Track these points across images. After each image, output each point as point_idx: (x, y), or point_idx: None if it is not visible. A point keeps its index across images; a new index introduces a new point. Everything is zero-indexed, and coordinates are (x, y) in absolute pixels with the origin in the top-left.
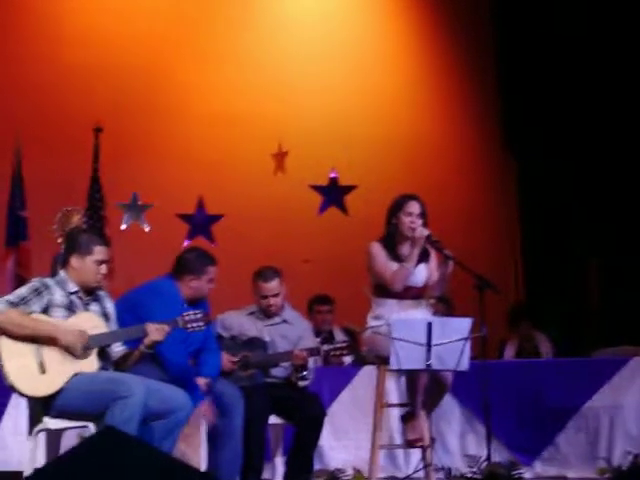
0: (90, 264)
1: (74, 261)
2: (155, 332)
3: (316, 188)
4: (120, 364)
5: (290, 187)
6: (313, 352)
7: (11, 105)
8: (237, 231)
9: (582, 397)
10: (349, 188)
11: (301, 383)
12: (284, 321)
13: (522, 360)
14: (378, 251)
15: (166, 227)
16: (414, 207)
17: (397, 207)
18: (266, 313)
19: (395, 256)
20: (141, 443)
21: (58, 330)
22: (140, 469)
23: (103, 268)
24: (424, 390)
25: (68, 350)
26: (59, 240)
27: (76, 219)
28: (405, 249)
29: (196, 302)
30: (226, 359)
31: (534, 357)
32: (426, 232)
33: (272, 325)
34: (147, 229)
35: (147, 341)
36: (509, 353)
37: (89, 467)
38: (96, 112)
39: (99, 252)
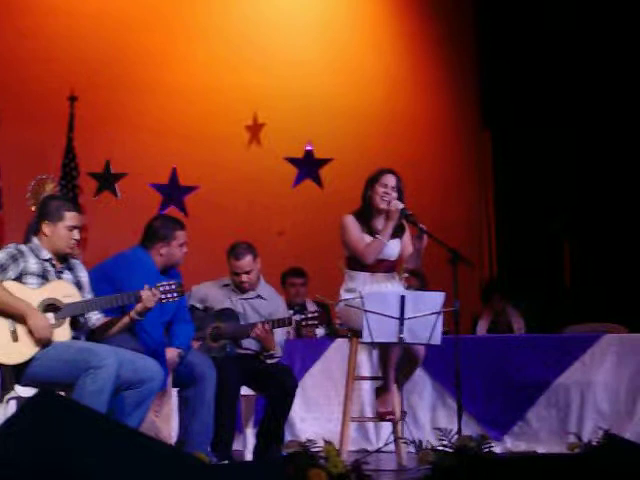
0: (62, 230)
1: (45, 228)
2: (150, 299)
3: (291, 161)
4: (101, 332)
5: (265, 159)
6: (284, 322)
7: None
8: (211, 203)
9: (553, 373)
10: (324, 161)
11: (269, 361)
12: (258, 296)
13: (494, 335)
14: (351, 223)
15: (139, 198)
16: (389, 179)
17: (373, 179)
18: (239, 288)
19: (369, 229)
20: (79, 406)
21: (29, 312)
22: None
23: (75, 234)
24: (396, 363)
25: (32, 333)
26: (32, 209)
27: (50, 188)
28: (379, 223)
29: (169, 271)
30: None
31: (506, 332)
32: (400, 205)
33: (246, 299)
34: (119, 196)
35: (140, 307)
36: (482, 328)
37: (28, 434)
38: (71, 82)
39: (70, 218)
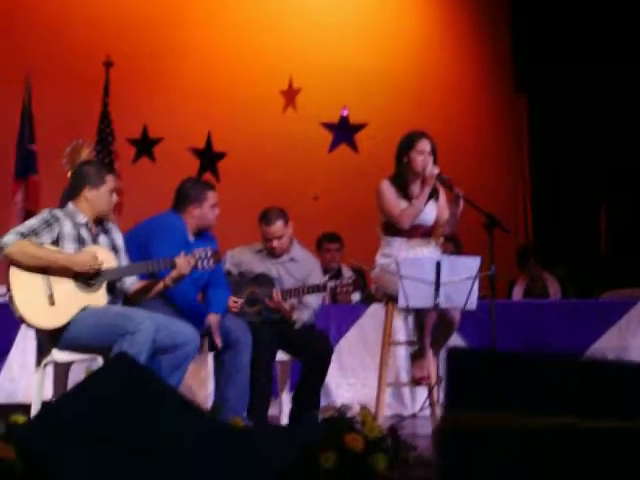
0: (105, 193)
1: (88, 192)
2: (185, 265)
3: (327, 126)
4: (135, 297)
5: (300, 124)
6: (318, 288)
7: (21, 40)
8: (246, 168)
9: (589, 338)
10: (360, 126)
11: (296, 326)
12: (292, 259)
13: (530, 300)
14: (387, 189)
15: (174, 163)
16: (425, 145)
17: (408, 145)
18: (272, 254)
19: (405, 194)
20: (152, 373)
21: (73, 259)
22: (153, 401)
23: (114, 196)
24: (432, 329)
25: (81, 274)
26: (69, 174)
27: (85, 153)
28: (415, 188)
29: (203, 234)
30: (231, 301)
31: (542, 297)
32: (436, 170)
33: (280, 263)
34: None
35: (175, 274)
36: (517, 293)
37: (104, 395)
38: (106, 47)
39: (111, 180)
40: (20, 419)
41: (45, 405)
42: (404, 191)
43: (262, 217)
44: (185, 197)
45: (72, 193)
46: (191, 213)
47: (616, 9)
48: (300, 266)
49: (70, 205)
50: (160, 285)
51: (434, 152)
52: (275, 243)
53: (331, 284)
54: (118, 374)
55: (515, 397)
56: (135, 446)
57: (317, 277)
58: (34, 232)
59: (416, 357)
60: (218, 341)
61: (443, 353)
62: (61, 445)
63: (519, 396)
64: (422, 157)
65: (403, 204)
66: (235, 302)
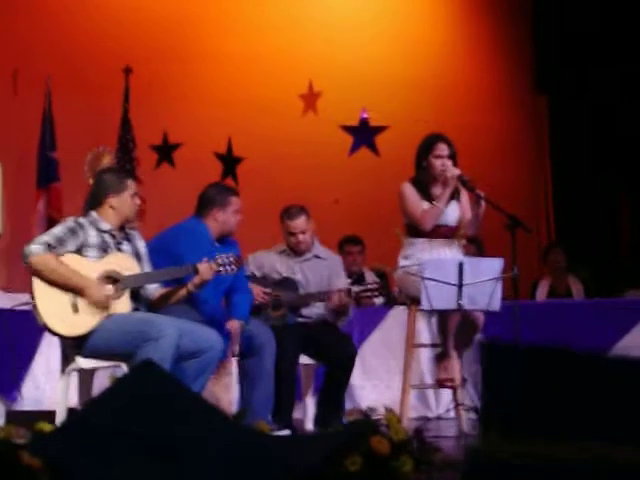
0: (128, 199)
1: (112, 201)
2: (208, 271)
3: (347, 129)
4: (157, 303)
5: (320, 128)
6: (344, 293)
7: (42, 47)
8: (267, 172)
9: (613, 337)
10: (380, 128)
11: (340, 323)
12: (315, 256)
13: (553, 300)
14: (409, 191)
15: (196, 168)
16: (443, 149)
17: (426, 149)
18: (296, 251)
19: (427, 196)
20: (177, 380)
21: (86, 286)
22: (177, 407)
23: (137, 200)
24: (455, 330)
25: (92, 304)
26: (90, 181)
27: (107, 160)
28: (436, 189)
29: (225, 239)
30: (259, 290)
31: (565, 297)
32: (457, 172)
33: (303, 262)
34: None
35: (197, 280)
36: (541, 294)
37: (129, 403)
38: (126, 54)
39: (132, 185)
40: (46, 427)
41: (70, 414)
42: (426, 193)
43: (284, 213)
44: (209, 202)
45: (94, 202)
46: (215, 217)
47: (639, 10)
48: (325, 263)
49: (93, 213)
50: (183, 291)
51: (453, 155)
52: (300, 237)
53: (356, 289)
54: (142, 381)
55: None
56: (161, 453)
57: (341, 274)
58: (59, 241)
59: (440, 359)
60: (235, 348)
61: (467, 354)
62: (86, 454)
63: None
64: (440, 161)
65: (425, 205)
66: (261, 292)
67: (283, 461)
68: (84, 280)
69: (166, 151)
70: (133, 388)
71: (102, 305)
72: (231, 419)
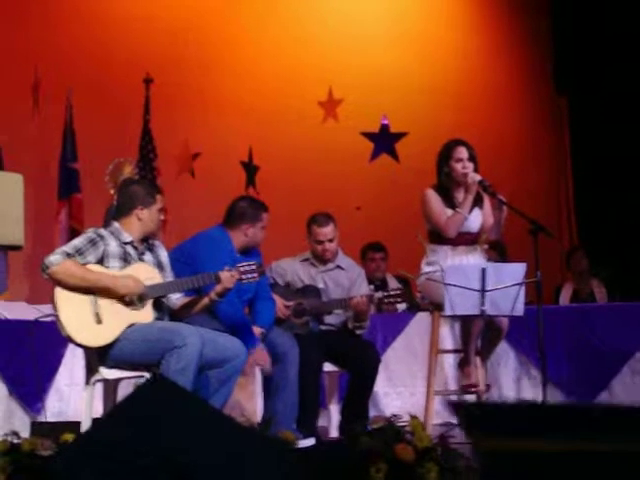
0: (155, 213)
1: (140, 213)
2: (230, 279)
3: (367, 135)
4: (180, 312)
5: (340, 135)
6: (367, 299)
7: (62, 58)
8: (288, 180)
9: (637, 341)
10: (400, 135)
11: (358, 331)
12: (338, 267)
13: (577, 305)
14: (432, 197)
15: (216, 177)
16: (462, 153)
17: (446, 155)
18: (320, 259)
19: (450, 203)
20: (190, 393)
21: (116, 281)
22: (190, 421)
23: (162, 215)
24: (479, 336)
25: (125, 299)
26: (111, 191)
27: (128, 170)
28: (459, 195)
29: (248, 251)
30: (280, 304)
31: (589, 302)
32: (478, 177)
33: (326, 271)
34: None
35: (220, 288)
36: (564, 298)
37: (140, 418)
38: (146, 64)
39: (160, 200)
40: (71, 438)
41: (80, 434)
42: (449, 199)
43: (312, 220)
44: (241, 215)
45: (120, 212)
46: (244, 232)
47: None
48: (347, 274)
49: (115, 224)
50: (205, 300)
51: (474, 158)
52: (327, 245)
53: (379, 295)
54: (153, 395)
55: None
56: (174, 467)
57: (363, 285)
58: (79, 251)
59: (463, 365)
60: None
61: (491, 360)
62: (95, 472)
63: None
64: (461, 164)
65: (449, 212)
66: (284, 305)
67: (300, 471)
68: (109, 278)
69: (187, 161)
70: (144, 403)
71: (133, 295)
72: (248, 430)
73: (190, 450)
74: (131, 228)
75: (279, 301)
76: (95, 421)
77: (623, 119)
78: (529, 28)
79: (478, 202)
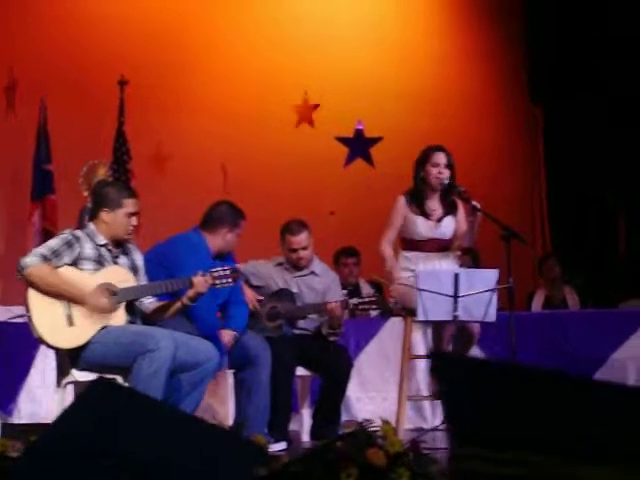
0: (121, 217)
1: (104, 215)
2: (203, 284)
3: (342, 140)
4: (153, 316)
5: (315, 139)
6: (341, 305)
7: (36, 59)
8: (261, 185)
9: (609, 348)
10: (375, 140)
11: (332, 338)
12: (312, 273)
13: (549, 311)
14: (398, 207)
15: (189, 181)
16: (440, 158)
17: (423, 159)
18: (295, 266)
19: (422, 210)
20: (134, 393)
21: (84, 296)
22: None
23: (134, 220)
24: (450, 341)
25: (96, 310)
26: (85, 193)
27: (102, 172)
28: (432, 203)
29: (222, 256)
30: (252, 297)
31: (561, 308)
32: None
33: (300, 277)
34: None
35: (192, 293)
36: (536, 305)
37: (93, 419)
38: (121, 66)
39: (129, 205)
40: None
41: (29, 445)
42: (421, 206)
43: (286, 229)
44: (220, 220)
45: (92, 214)
46: (222, 236)
47: (634, 19)
48: (321, 279)
49: (91, 225)
50: (178, 304)
51: (451, 166)
52: (301, 253)
53: (354, 301)
54: (103, 397)
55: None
56: (134, 467)
57: (337, 291)
58: (55, 253)
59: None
60: (224, 359)
61: None
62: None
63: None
64: (437, 169)
65: (419, 220)
66: (255, 297)
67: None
68: (81, 290)
69: (160, 163)
70: (95, 406)
71: (102, 311)
72: (212, 429)
73: (150, 448)
74: (101, 230)
75: (250, 293)
76: (46, 428)
77: (597, 128)
78: (505, 37)
79: (452, 209)
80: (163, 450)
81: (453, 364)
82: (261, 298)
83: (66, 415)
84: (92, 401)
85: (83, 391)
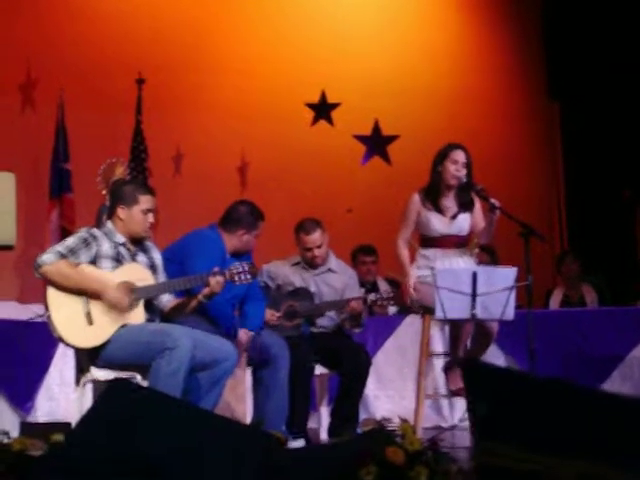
0: (137, 214)
1: (120, 212)
2: (218, 284)
3: (359, 138)
4: (171, 314)
5: (333, 137)
6: (360, 301)
7: (54, 58)
8: (280, 182)
9: (627, 345)
10: (392, 138)
11: (356, 330)
12: (329, 270)
13: (567, 309)
14: (412, 205)
15: (206, 179)
16: (459, 156)
17: (443, 155)
18: (311, 264)
19: (436, 207)
20: (157, 393)
21: (105, 288)
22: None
23: (150, 217)
24: (468, 340)
25: (114, 306)
26: (103, 192)
27: (120, 171)
28: (447, 201)
29: (239, 255)
30: (269, 314)
31: (579, 306)
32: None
33: (318, 275)
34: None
35: (207, 291)
36: (554, 303)
37: (111, 423)
38: (138, 65)
39: (145, 201)
40: (61, 438)
41: (53, 445)
42: (436, 203)
43: (300, 228)
44: (239, 220)
45: (109, 212)
46: (239, 237)
47: None
48: (338, 276)
49: (109, 224)
50: (195, 301)
51: (469, 165)
52: (316, 252)
53: (372, 297)
54: (121, 399)
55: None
56: (153, 470)
57: (355, 287)
58: (72, 251)
59: (449, 369)
60: (241, 355)
61: None
62: None
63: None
64: (455, 166)
65: (432, 217)
66: (273, 315)
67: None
68: (100, 283)
69: (178, 161)
70: (113, 409)
71: (120, 307)
72: (224, 423)
73: (172, 447)
74: (118, 228)
75: (268, 311)
76: (67, 434)
77: (615, 124)
78: (522, 33)
79: (467, 206)
80: (185, 448)
81: (484, 373)
82: (278, 314)
83: (86, 419)
84: (112, 403)
85: (102, 393)
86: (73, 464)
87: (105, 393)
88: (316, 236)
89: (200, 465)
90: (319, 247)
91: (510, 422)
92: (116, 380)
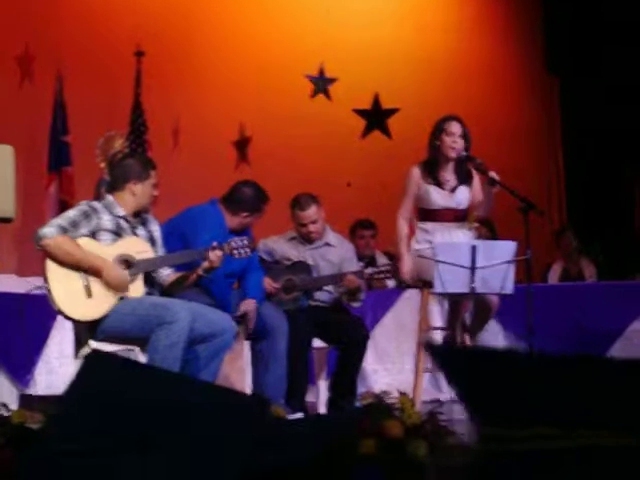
0: (149, 188)
1: (133, 187)
2: (217, 259)
3: (359, 112)
4: (170, 288)
5: (333, 110)
6: (357, 275)
7: (52, 32)
8: (279, 156)
9: (626, 320)
10: (392, 111)
11: (355, 304)
12: (326, 244)
13: (566, 283)
14: (412, 179)
15: (206, 152)
16: (455, 127)
17: (438, 129)
18: (307, 239)
19: (436, 180)
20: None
21: (104, 266)
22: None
23: (155, 191)
24: (469, 314)
25: (108, 285)
26: (102, 165)
27: (118, 144)
28: (446, 174)
29: (239, 232)
30: (267, 283)
31: (578, 280)
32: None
33: (315, 249)
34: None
35: (206, 265)
36: (553, 277)
37: (90, 400)
38: (137, 37)
39: (155, 175)
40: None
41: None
42: (435, 176)
43: (295, 203)
44: (243, 202)
45: (114, 186)
46: (241, 218)
47: None
48: (336, 250)
49: (109, 197)
50: (194, 275)
51: (466, 136)
52: (311, 227)
53: (369, 271)
54: (101, 372)
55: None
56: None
57: (353, 261)
58: (72, 224)
59: (448, 343)
60: (251, 325)
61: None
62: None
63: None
64: (451, 139)
65: (431, 189)
66: (270, 284)
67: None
68: (100, 260)
69: (177, 134)
70: (91, 384)
71: (120, 286)
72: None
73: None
74: (124, 202)
75: (266, 280)
76: (51, 418)
77: (615, 100)
78: (521, 6)
79: (466, 179)
80: (174, 419)
81: (452, 356)
82: (276, 285)
83: (67, 395)
84: (92, 376)
85: (79, 368)
86: (70, 447)
87: (83, 367)
88: (311, 212)
89: (190, 435)
90: (314, 222)
91: (494, 402)
92: (94, 352)
